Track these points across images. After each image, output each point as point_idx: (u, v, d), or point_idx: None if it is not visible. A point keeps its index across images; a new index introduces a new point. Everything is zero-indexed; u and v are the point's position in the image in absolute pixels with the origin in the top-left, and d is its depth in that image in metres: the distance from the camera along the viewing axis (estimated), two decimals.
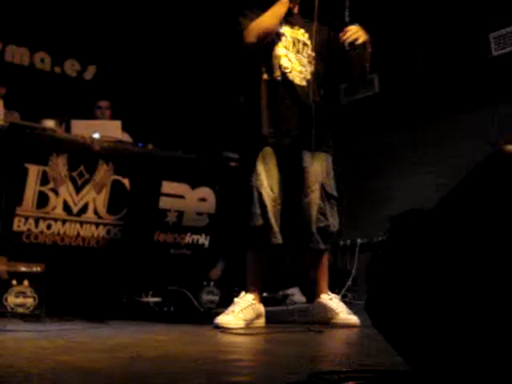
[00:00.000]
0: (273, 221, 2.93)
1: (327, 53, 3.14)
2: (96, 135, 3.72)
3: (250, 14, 3.02)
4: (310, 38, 3.12)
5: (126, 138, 4.59)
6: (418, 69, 5.18)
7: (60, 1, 5.85)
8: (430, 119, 4.97)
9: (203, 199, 4.08)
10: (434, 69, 5.05)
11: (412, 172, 5.01)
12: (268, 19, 2.98)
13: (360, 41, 2.87)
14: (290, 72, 3.02)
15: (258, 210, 2.93)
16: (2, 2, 5.48)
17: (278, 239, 2.95)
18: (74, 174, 3.57)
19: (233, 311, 2.83)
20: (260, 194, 2.93)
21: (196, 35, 6.24)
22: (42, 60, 5.96)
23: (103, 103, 5.12)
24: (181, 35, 6.30)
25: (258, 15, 3.00)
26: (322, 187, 2.98)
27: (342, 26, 2.96)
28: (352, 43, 2.87)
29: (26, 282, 3.33)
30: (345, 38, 2.87)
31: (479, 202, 1.24)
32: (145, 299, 4.07)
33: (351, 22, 2.91)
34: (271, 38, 3.01)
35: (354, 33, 2.86)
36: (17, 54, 5.84)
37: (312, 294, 3.22)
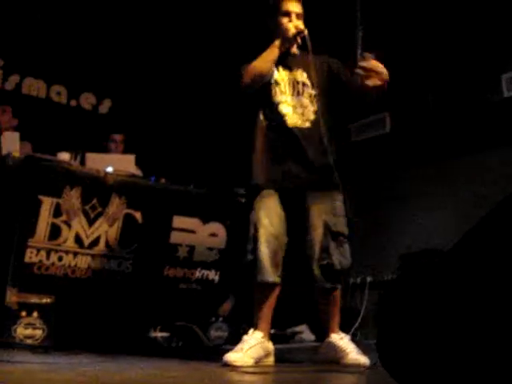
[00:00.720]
0: (265, 258, 2.91)
1: (329, 86, 3.11)
2: (110, 169, 3.76)
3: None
4: (309, 76, 3.11)
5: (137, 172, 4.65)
6: (429, 108, 5.22)
7: (77, 35, 5.96)
8: (441, 157, 4.99)
9: (214, 234, 4.09)
10: (445, 108, 5.08)
11: (422, 210, 5.01)
12: (260, 63, 3.00)
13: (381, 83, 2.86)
14: (291, 116, 3.04)
15: (249, 246, 2.94)
16: (21, 36, 5.58)
17: (267, 278, 2.90)
18: (87, 206, 3.60)
19: (242, 349, 2.81)
20: (255, 230, 2.93)
21: (208, 73, 6.33)
22: (59, 93, 6.06)
23: (117, 137, 5.18)
24: (194, 72, 6.39)
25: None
26: (327, 225, 2.97)
27: (355, 62, 2.97)
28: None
29: (35, 314, 3.33)
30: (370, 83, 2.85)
31: (498, 244, 1.23)
32: (153, 334, 4.06)
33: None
34: (266, 81, 3.04)
35: (380, 74, 2.85)
36: (34, 87, 5.94)
37: (321, 331, 3.20)
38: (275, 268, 2.92)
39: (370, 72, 2.84)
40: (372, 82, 2.84)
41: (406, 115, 5.39)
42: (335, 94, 3.12)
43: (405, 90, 5.26)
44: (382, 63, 2.88)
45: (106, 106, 6.35)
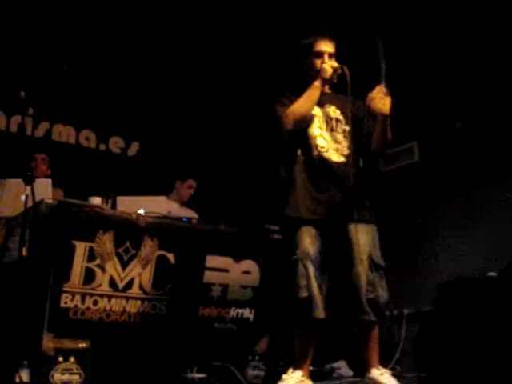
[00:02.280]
0: (316, 294, 2.90)
1: (359, 124, 3.14)
2: (141, 211, 3.78)
3: (284, 101, 3.09)
4: (343, 113, 3.14)
5: (190, 213, 4.79)
6: (458, 135, 5.18)
7: (104, 83, 6.08)
8: (472, 184, 4.93)
9: (247, 272, 4.07)
10: (474, 135, 5.05)
11: (458, 238, 4.94)
12: (303, 105, 3.02)
13: (380, 110, 2.89)
14: (327, 151, 3.06)
15: (303, 282, 2.91)
16: (49, 85, 5.71)
17: (320, 314, 2.90)
18: (120, 249, 3.61)
19: None
20: (305, 267, 2.91)
21: (236, 110, 6.39)
22: (87, 138, 6.16)
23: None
24: (221, 110, 6.46)
25: (290, 100, 3.06)
26: (370, 258, 2.95)
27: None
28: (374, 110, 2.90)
29: (72, 359, 3.33)
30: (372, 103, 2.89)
31: None
32: (190, 375, 4.02)
33: (388, 91, 2.93)
34: (307, 123, 3.06)
35: (380, 99, 2.88)
36: (63, 133, 6.05)
37: (360, 367, 3.14)
38: (323, 304, 2.91)
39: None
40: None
41: (435, 143, 5.36)
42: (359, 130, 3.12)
43: (432, 117, 5.24)
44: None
45: (134, 149, 6.43)
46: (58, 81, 5.77)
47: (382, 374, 2.92)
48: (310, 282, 2.89)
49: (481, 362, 2.45)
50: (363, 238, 2.97)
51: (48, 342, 3.29)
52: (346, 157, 3.08)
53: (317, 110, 3.12)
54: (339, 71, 3.02)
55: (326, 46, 3.15)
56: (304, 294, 2.90)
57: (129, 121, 6.29)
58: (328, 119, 3.13)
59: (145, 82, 6.24)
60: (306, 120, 3.05)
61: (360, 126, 3.13)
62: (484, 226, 4.70)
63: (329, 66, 3.05)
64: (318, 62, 3.12)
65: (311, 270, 2.90)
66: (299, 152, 3.08)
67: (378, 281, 2.95)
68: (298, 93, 3.06)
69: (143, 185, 5.31)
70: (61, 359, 3.29)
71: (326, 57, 3.12)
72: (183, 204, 5.29)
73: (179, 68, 6.26)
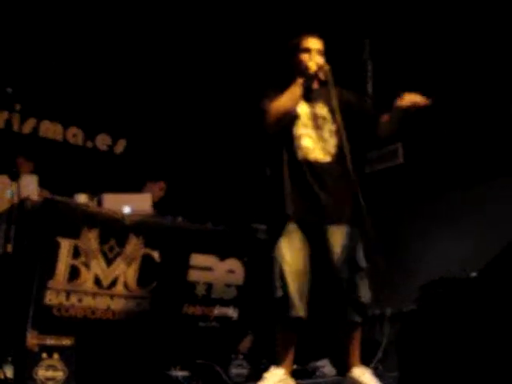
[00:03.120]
0: (293, 294, 2.91)
1: (347, 117, 3.07)
2: (127, 209, 3.80)
3: (272, 96, 3.09)
4: (330, 110, 3.13)
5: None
6: (443, 137, 5.22)
7: (92, 79, 6.07)
8: (454, 187, 4.97)
9: (232, 271, 4.10)
10: (459, 138, 5.09)
11: (439, 240, 4.98)
12: (285, 102, 3.02)
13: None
14: (313, 151, 3.06)
15: (278, 283, 2.94)
16: (36, 81, 5.70)
17: (297, 313, 2.91)
18: (105, 247, 3.63)
19: None
20: (281, 267, 2.94)
21: (223, 108, 6.40)
22: (75, 135, 6.14)
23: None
24: (208, 109, 6.47)
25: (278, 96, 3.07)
26: (351, 259, 2.97)
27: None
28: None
29: (56, 356, 3.33)
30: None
31: None
32: (173, 373, 4.04)
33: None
34: (290, 119, 3.07)
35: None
36: (50, 130, 6.03)
37: (343, 365, 3.17)
38: (303, 303, 2.92)
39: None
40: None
41: (419, 146, 5.40)
42: (352, 124, 3.12)
43: (417, 119, 5.27)
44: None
45: (120, 146, 6.42)
46: (46, 77, 5.76)
47: (363, 374, 2.95)
48: (286, 281, 2.91)
49: (462, 361, 2.49)
50: (345, 238, 2.99)
51: (32, 339, 3.30)
52: (333, 155, 3.08)
53: (303, 108, 3.12)
54: (325, 68, 3.02)
55: (314, 43, 3.16)
56: (279, 293, 2.92)
57: (116, 118, 6.28)
58: (315, 116, 3.13)
59: (132, 79, 6.22)
60: (289, 117, 3.05)
61: (354, 112, 3.13)
62: (466, 228, 4.74)
63: (313, 62, 3.05)
64: (305, 57, 3.12)
65: (287, 270, 2.92)
66: (284, 152, 3.09)
67: (360, 281, 2.97)
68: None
69: (130, 182, 5.30)
70: (45, 356, 3.30)
71: (313, 53, 3.12)
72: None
73: (167, 65, 6.25)
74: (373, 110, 3.15)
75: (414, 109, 2.95)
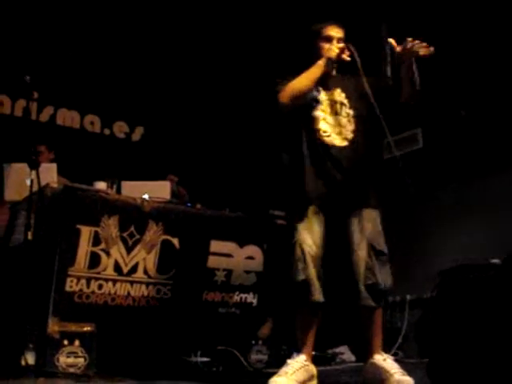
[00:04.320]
0: (314, 278, 2.90)
1: (366, 103, 3.02)
2: (146, 196, 3.80)
3: (290, 78, 3.07)
4: (348, 97, 3.12)
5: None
6: (462, 123, 5.17)
7: (109, 67, 6.07)
8: (475, 173, 4.93)
9: (251, 257, 4.09)
10: (478, 123, 5.03)
11: (461, 226, 4.95)
12: (302, 81, 3.01)
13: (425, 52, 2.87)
14: (329, 135, 3.04)
15: (300, 265, 2.92)
16: (54, 69, 5.71)
17: (318, 297, 2.89)
18: (125, 234, 3.64)
19: (286, 372, 2.79)
20: (303, 251, 2.92)
21: (240, 95, 6.38)
22: (92, 123, 6.16)
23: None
24: (225, 96, 6.45)
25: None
26: (370, 244, 2.95)
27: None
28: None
29: (77, 342, 3.35)
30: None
31: None
32: (194, 359, 4.06)
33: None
34: (306, 101, 3.04)
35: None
36: (68, 118, 6.05)
37: (362, 352, 3.16)
38: (322, 288, 2.91)
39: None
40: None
41: (439, 130, 5.35)
42: (378, 102, 3.04)
43: (437, 105, 5.22)
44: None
45: (138, 134, 6.43)
46: (63, 66, 5.77)
47: (384, 360, 2.93)
48: (307, 265, 2.90)
49: (482, 347, 2.46)
50: (364, 224, 2.97)
51: (53, 326, 3.32)
52: (350, 141, 3.06)
53: (322, 93, 3.11)
54: (346, 51, 2.98)
55: (335, 32, 3.13)
56: (301, 277, 2.90)
57: (133, 105, 6.29)
58: (332, 103, 3.11)
59: (149, 66, 6.23)
60: (304, 97, 3.02)
61: (379, 90, 3.01)
62: (488, 215, 4.70)
63: (335, 46, 3.02)
64: (326, 46, 3.09)
65: (308, 254, 2.90)
66: (303, 136, 3.07)
67: (380, 267, 2.93)
68: None
69: (147, 170, 5.31)
70: (66, 342, 3.32)
71: (334, 42, 3.09)
72: None
73: (184, 53, 6.24)
74: (391, 80, 3.08)
75: (415, 56, 2.88)
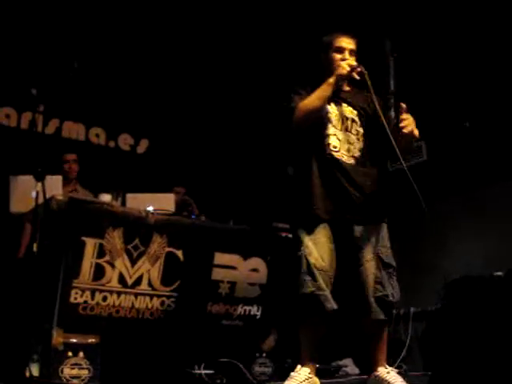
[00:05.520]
0: (324, 288, 2.90)
1: (375, 122, 3.04)
2: (150, 208, 3.82)
3: (302, 93, 3.07)
4: (359, 114, 3.12)
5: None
6: (466, 135, 5.18)
7: (113, 80, 6.11)
8: (479, 185, 4.94)
9: (255, 270, 4.10)
10: (483, 135, 5.05)
11: (464, 239, 4.95)
12: (315, 101, 3.00)
13: (411, 134, 2.88)
14: (338, 151, 3.04)
15: (307, 277, 2.91)
16: (59, 82, 5.75)
17: (332, 304, 2.89)
18: (130, 246, 3.65)
19: None
20: (309, 263, 2.92)
21: (245, 108, 6.40)
22: (97, 135, 6.19)
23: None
24: (231, 109, 6.48)
25: (309, 94, 3.04)
26: (378, 257, 2.96)
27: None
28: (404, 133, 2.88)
29: (81, 354, 3.36)
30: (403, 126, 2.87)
31: None
32: (197, 371, 4.05)
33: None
34: (318, 118, 3.05)
35: (411, 125, 2.88)
36: (73, 130, 6.08)
37: (366, 365, 3.15)
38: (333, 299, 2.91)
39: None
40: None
41: (442, 143, 5.36)
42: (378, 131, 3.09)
43: (440, 117, 5.24)
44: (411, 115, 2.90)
45: (143, 146, 6.46)
46: (69, 78, 5.81)
47: (388, 373, 2.93)
48: (315, 276, 2.89)
49: (486, 360, 2.47)
50: (371, 237, 2.97)
51: (58, 337, 3.33)
52: (356, 158, 3.06)
53: (333, 109, 3.09)
54: (358, 70, 2.99)
55: (347, 43, 3.12)
56: (309, 288, 2.90)
57: (138, 118, 6.32)
58: (344, 118, 3.10)
59: (155, 79, 6.26)
60: (316, 116, 3.03)
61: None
62: (491, 226, 4.70)
63: (346, 63, 3.02)
64: (338, 57, 3.09)
65: (315, 266, 2.90)
66: (313, 150, 3.07)
67: (387, 279, 2.94)
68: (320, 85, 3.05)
69: (152, 182, 5.33)
70: (70, 354, 3.33)
71: (346, 53, 3.09)
72: None
73: (189, 66, 6.27)
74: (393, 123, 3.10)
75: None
